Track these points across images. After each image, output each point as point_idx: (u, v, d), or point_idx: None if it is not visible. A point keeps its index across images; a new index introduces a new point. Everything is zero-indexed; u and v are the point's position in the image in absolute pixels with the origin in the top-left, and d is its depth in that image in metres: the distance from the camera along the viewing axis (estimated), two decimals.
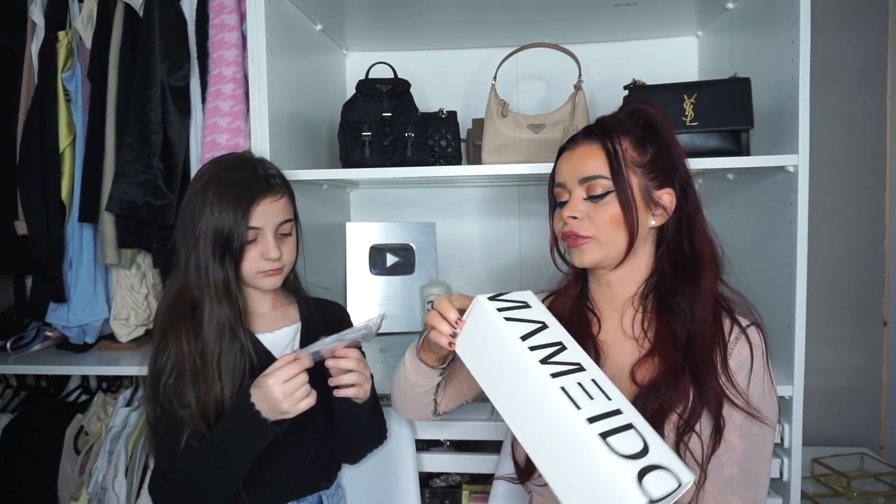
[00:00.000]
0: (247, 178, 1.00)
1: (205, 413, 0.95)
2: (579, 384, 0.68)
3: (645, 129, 0.93)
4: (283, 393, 0.88)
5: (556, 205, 0.98)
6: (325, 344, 0.91)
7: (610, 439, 0.63)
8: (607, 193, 0.90)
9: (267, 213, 0.99)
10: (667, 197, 0.92)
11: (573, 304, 1.00)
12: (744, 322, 0.91)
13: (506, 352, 0.73)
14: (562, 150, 0.98)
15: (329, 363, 0.95)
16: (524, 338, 0.73)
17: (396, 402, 1.08)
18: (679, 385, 0.85)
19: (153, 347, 1.02)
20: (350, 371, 0.95)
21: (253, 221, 0.97)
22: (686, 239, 0.93)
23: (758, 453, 0.88)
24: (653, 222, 0.92)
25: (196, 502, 0.98)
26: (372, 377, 1.02)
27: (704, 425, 0.86)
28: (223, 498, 0.97)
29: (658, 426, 0.83)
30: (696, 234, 0.93)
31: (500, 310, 0.76)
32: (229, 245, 0.96)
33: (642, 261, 0.95)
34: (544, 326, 0.77)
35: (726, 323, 0.91)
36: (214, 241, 0.96)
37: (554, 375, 0.68)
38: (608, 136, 0.91)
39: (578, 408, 0.65)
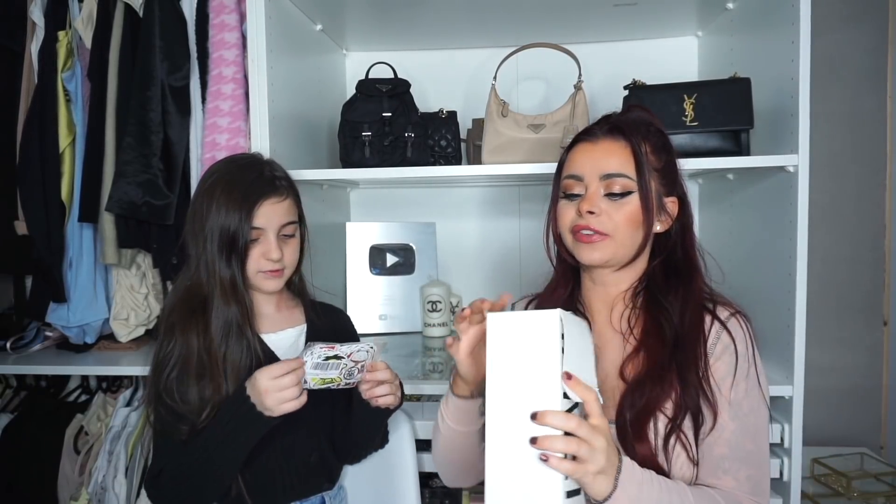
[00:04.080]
0: (252, 178, 1.01)
1: (207, 410, 0.96)
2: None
3: (660, 138, 0.95)
4: (266, 388, 0.89)
5: (562, 196, 0.96)
6: (316, 349, 0.91)
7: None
8: (628, 193, 0.90)
9: (269, 214, 1.00)
10: (671, 204, 0.95)
11: (564, 306, 0.99)
12: (725, 313, 0.92)
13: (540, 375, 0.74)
14: (576, 141, 0.97)
15: (366, 377, 0.98)
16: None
17: (448, 472, 1.04)
18: (664, 382, 0.86)
19: (158, 341, 1.03)
20: (383, 382, 0.98)
21: (256, 221, 0.98)
22: (680, 246, 0.96)
23: (750, 433, 0.86)
24: (658, 227, 0.94)
25: (190, 495, 0.98)
26: None
27: (689, 425, 0.87)
28: (216, 490, 0.98)
29: (643, 423, 0.84)
30: (689, 243, 0.97)
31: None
32: (235, 244, 0.97)
33: (640, 263, 0.96)
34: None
35: (707, 318, 0.92)
36: (221, 239, 0.97)
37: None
38: (635, 136, 0.92)
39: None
